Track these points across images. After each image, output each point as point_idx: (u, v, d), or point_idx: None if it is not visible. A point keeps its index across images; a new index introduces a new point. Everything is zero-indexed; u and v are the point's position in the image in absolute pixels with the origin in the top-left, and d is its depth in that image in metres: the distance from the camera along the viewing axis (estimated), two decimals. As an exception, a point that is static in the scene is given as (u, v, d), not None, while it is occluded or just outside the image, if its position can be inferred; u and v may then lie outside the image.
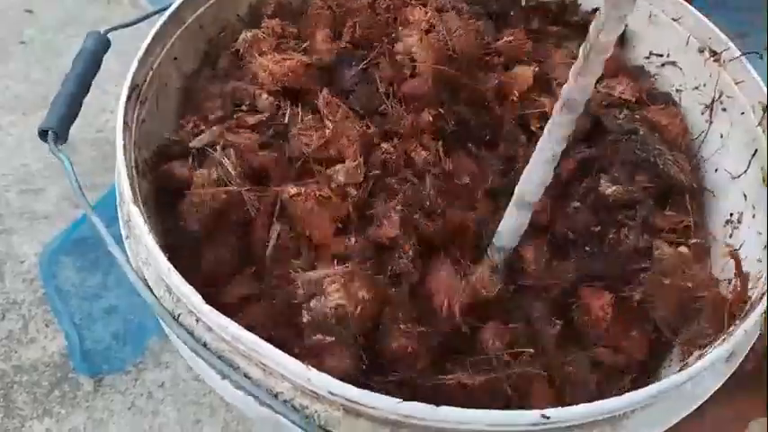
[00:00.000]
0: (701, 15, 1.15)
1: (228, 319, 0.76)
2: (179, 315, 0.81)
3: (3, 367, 1.49)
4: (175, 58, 1.14)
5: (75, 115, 1.01)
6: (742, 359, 0.86)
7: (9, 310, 1.57)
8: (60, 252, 1.64)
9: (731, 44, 1.10)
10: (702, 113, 1.15)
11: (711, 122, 1.14)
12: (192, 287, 0.78)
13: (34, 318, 1.57)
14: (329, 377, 0.72)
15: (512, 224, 0.92)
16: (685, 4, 1.18)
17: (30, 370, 1.49)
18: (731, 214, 1.06)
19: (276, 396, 0.75)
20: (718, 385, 0.84)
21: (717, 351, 0.79)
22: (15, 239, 1.69)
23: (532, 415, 0.71)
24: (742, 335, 0.81)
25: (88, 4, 2.27)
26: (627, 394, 0.74)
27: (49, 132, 0.97)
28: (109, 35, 1.12)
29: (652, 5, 1.23)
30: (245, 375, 0.77)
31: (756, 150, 1.03)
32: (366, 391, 0.71)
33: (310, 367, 0.72)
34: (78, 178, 0.91)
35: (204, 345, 0.79)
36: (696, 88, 1.17)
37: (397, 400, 0.70)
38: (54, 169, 1.77)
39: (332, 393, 0.72)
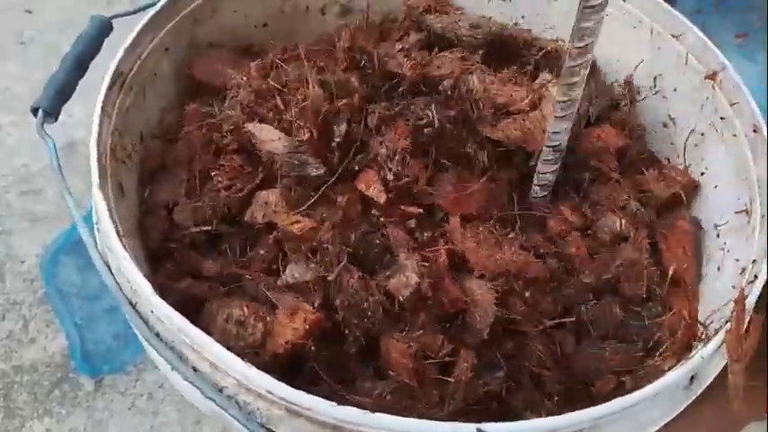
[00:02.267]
0: (701, 33, 1.15)
1: (175, 311, 0.79)
2: (136, 303, 0.84)
3: (3, 367, 1.54)
4: (167, 49, 1.16)
5: (68, 95, 1.04)
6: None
7: (9, 311, 1.62)
8: (61, 252, 1.69)
9: (728, 64, 1.10)
10: (696, 144, 1.17)
11: (704, 146, 1.15)
12: (144, 277, 0.82)
13: (35, 318, 1.61)
14: (267, 376, 0.74)
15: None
16: (686, 20, 1.18)
17: (30, 370, 1.54)
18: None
19: (221, 390, 0.77)
20: (678, 410, 0.84)
21: (669, 376, 0.80)
22: (15, 240, 1.74)
23: (468, 428, 0.72)
24: (699, 361, 0.82)
25: (88, 5, 2.30)
26: (568, 414, 0.75)
27: (40, 110, 1.00)
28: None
29: (654, 21, 1.23)
30: (193, 368, 0.79)
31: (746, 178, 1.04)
32: (300, 392, 0.73)
33: (250, 365, 0.75)
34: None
35: (157, 335, 0.82)
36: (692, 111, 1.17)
37: (331, 403, 0.72)
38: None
39: (269, 392, 0.74)
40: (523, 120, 1.07)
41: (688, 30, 1.17)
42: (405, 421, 0.72)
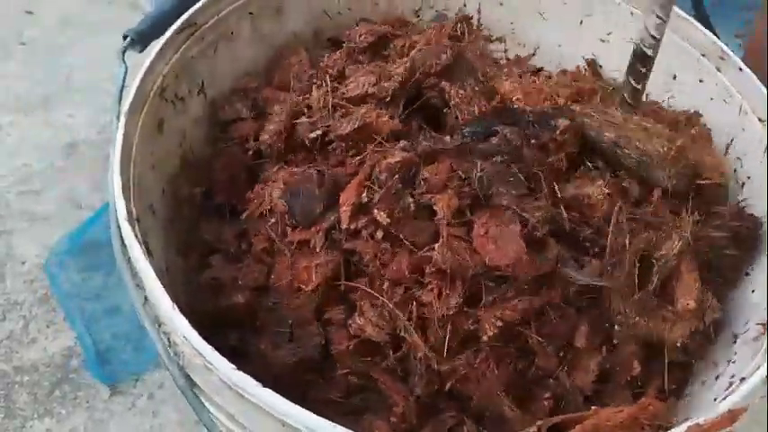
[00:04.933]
0: (743, 64, 1.12)
1: (135, 242, 0.84)
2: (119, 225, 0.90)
3: (4, 368, 1.56)
4: (251, 13, 1.21)
5: (161, 32, 1.09)
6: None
7: (10, 311, 1.65)
8: (68, 254, 1.68)
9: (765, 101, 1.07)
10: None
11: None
12: (122, 198, 0.88)
13: (35, 318, 1.64)
14: (185, 322, 0.76)
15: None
16: (730, 52, 1.14)
17: (30, 370, 1.56)
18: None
19: (159, 325, 0.81)
20: None
21: None
22: (16, 240, 1.77)
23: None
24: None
25: (88, 5, 2.38)
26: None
27: (128, 38, 1.07)
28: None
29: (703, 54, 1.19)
30: (145, 297, 0.83)
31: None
32: (207, 346, 0.75)
33: (175, 307, 0.77)
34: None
35: (128, 260, 0.87)
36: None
37: (232, 366, 0.74)
38: (54, 170, 1.89)
39: (185, 338, 0.76)
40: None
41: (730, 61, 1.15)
42: (291, 408, 0.72)
